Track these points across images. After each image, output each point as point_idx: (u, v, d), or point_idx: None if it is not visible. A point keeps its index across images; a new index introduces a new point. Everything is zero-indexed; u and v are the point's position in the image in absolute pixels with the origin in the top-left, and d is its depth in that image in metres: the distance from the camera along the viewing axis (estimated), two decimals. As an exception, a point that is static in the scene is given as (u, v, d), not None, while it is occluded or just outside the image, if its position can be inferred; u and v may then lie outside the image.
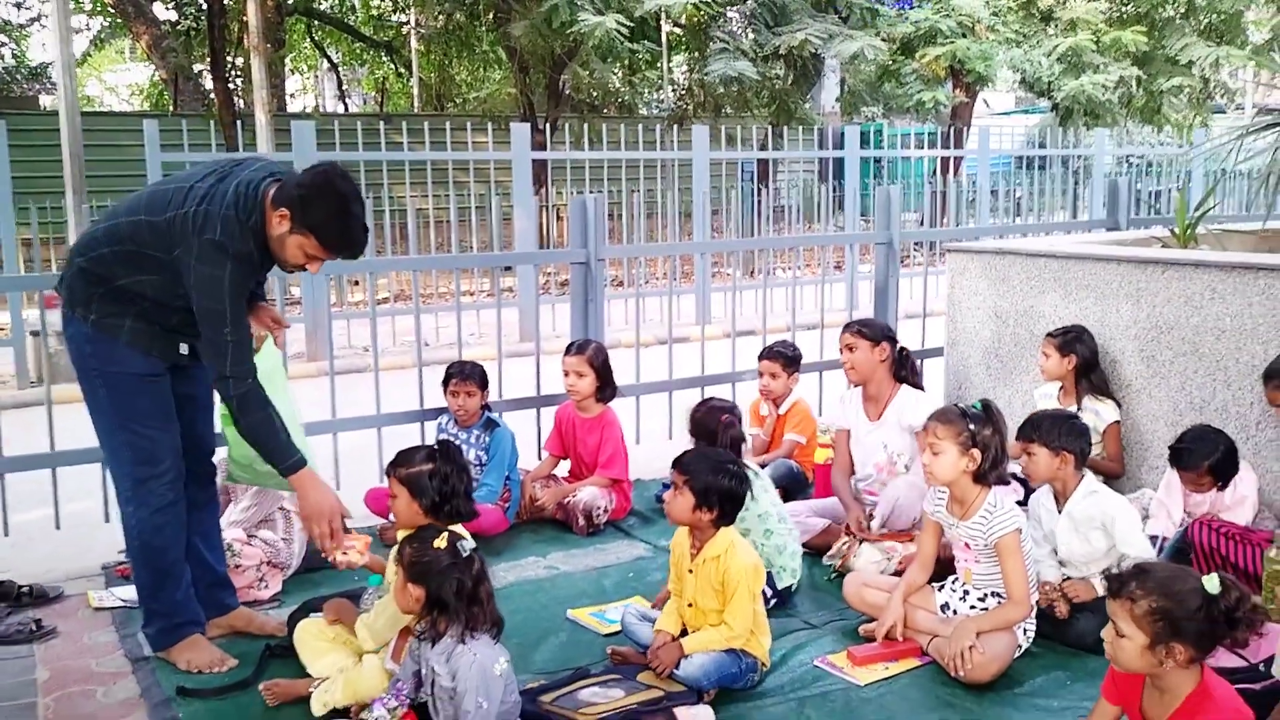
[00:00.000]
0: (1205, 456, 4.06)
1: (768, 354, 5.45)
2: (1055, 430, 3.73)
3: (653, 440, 5.79)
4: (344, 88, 27.74)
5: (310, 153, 9.35)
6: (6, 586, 4.11)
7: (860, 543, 4.30)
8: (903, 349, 4.77)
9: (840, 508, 4.58)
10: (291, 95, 28.59)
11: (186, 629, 3.60)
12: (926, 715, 3.25)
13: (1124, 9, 16.19)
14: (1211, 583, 2.40)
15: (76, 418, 5.17)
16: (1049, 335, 4.84)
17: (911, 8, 14.85)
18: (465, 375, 4.91)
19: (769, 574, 3.90)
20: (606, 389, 5.09)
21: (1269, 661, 3.07)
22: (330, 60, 26.02)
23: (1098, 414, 4.69)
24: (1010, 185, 14.94)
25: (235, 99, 17.51)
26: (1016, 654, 3.48)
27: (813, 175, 18.26)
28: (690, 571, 3.41)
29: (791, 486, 5.10)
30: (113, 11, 20.13)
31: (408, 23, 22.15)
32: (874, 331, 4.68)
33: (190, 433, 3.59)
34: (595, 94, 15.53)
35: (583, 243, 5.59)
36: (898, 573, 4.04)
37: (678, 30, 15.70)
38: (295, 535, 4.32)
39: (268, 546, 4.22)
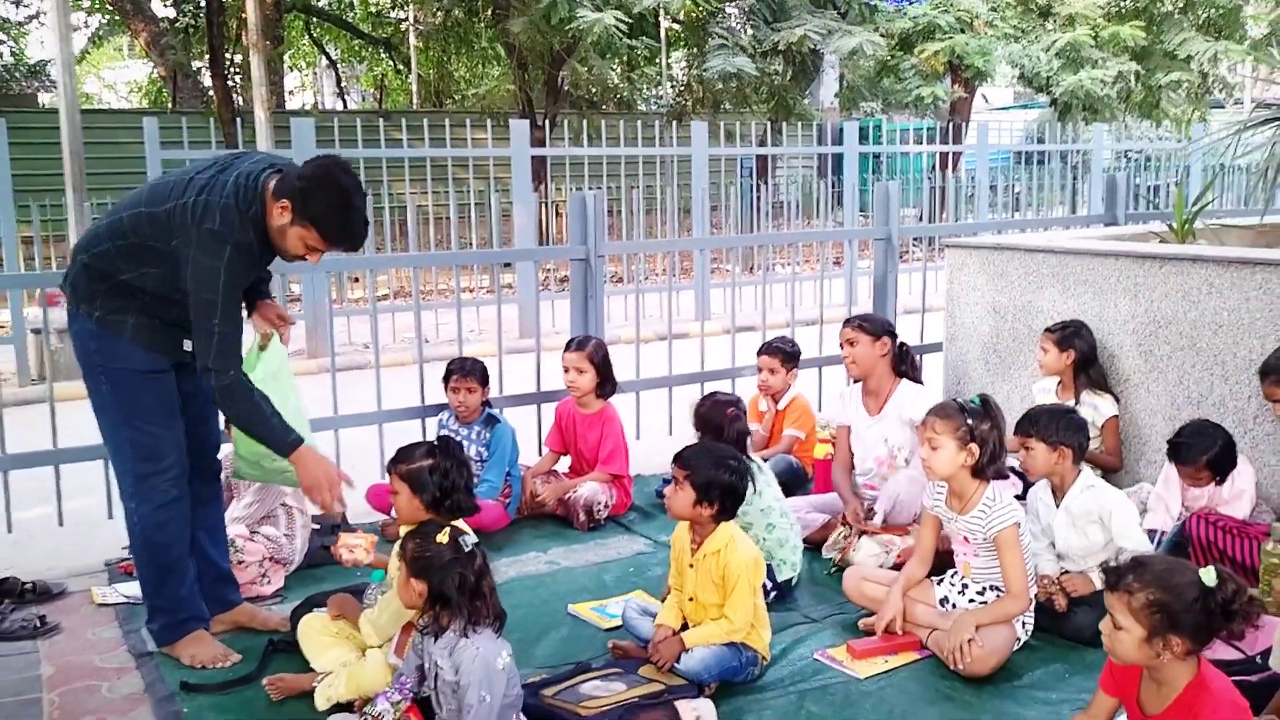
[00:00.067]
0: (1204, 451, 4.08)
1: (766, 349, 5.47)
2: (1053, 425, 3.75)
3: (653, 436, 5.81)
4: (343, 85, 27.74)
5: (309, 150, 9.35)
6: (10, 583, 4.13)
7: (859, 536, 4.32)
8: (903, 344, 4.80)
9: (840, 503, 4.60)
10: (290, 92, 28.60)
11: (190, 624, 3.63)
12: (926, 708, 3.28)
13: (1122, 4, 16.18)
14: (1208, 575, 2.42)
15: (78, 415, 5.18)
16: (1047, 330, 4.86)
17: (910, 3, 14.84)
18: (466, 372, 4.92)
19: (769, 567, 3.93)
20: (606, 385, 5.11)
21: (1265, 654, 3.09)
22: (329, 57, 26.03)
23: (1096, 408, 4.71)
24: (1009, 180, 14.96)
25: (234, 96, 17.52)
26: (1015, 647, 3.50)
27: (811, 171, 18.26)
28: (691, 566, 3.43)
29: (791, 482, 5.11)
30: (111, 9, 20.14)
31: (406, 19, 22.15)
32: (875, 326, 4.70)
33: (195, 429, 3.60)
34: (594, 90, 15.55)
35: (582, 239, 5.60)
36: (896, 566, 4.07)
37: (676, 26, 15.71)
38: (297, 531, 4.34)
39: (270, 542, 4.24)
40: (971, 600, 3.61)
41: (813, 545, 4.44)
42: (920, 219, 13.18)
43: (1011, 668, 3.45)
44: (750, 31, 14.99)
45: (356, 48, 25.06)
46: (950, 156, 14.76)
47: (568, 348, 5.13)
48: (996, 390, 5.19)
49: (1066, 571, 3.77)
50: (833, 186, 13.69)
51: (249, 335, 3.51)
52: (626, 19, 13.00)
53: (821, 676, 3.46)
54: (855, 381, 4.86)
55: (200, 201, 3.27)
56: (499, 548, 4.58)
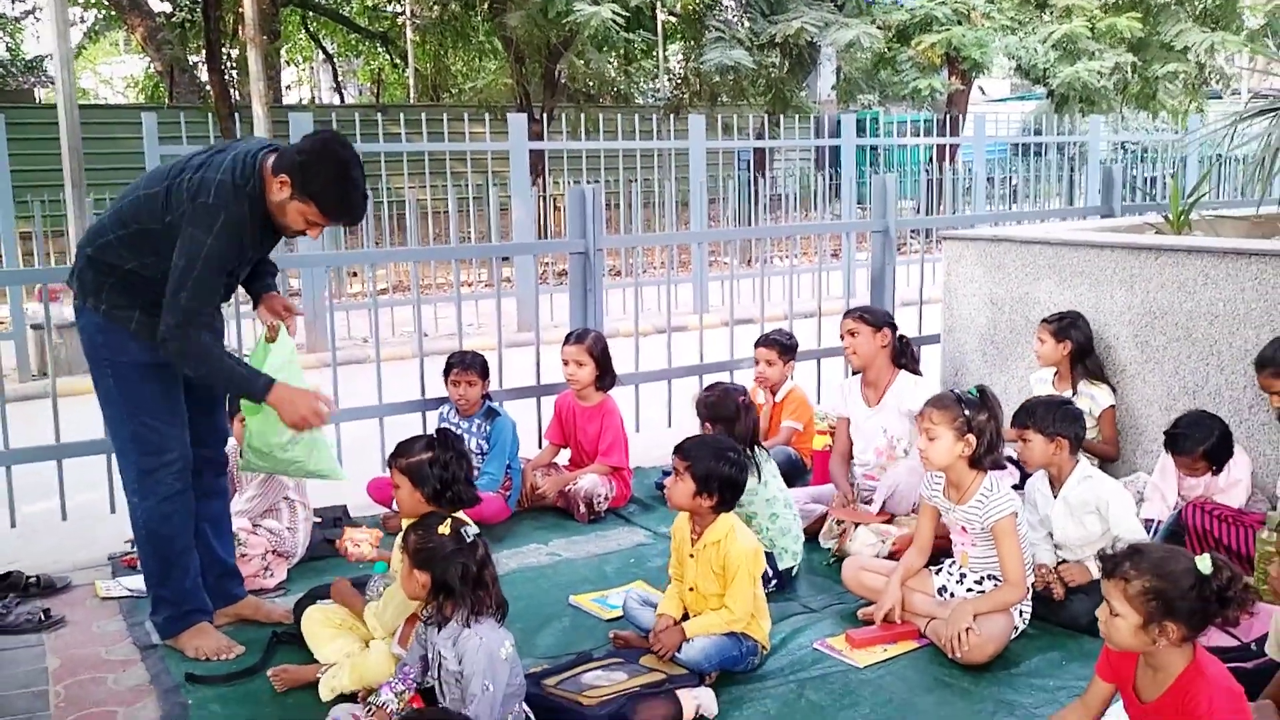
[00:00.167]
0: (1200, 441, 4.11)
1: (764, 341, 5.50)
2: (1050, 416, 3.77)
3: (652, 428, 5.84)
4: (339, 79, 27.70)
5: (308, 145, 9.35)
6: (15, 577, 4.15)
7: (855, 525, 4.36)
8: (903, 336, 4.83)
9: (858, 517, 4.62)
10: (287, 87, 28.54)
11: (194, 617, 3.65)
12: (924, 696, 3.31)
13: (1119, -5, 16.21)
14: (1204, 563, 2.45)
15: (79, 410, 5.22)
16: (1044, 321, 4.88)
17: (900, 6, 14.83)
18: (466, 365, 4.95)
19: (771, 555, 3.96)
20: (606, 378, 5.13)
21: (1260, 640, 3.12)
22: (325, 52, 25.98)
23: (1093, 398, 4.74)
24: (1006, 172, 14.97)
25: (231, 91, 17.51)
26: (1013, 635, 3.53)
27: (809, 164, 18.27)
28: (691, 556, 3.46)
29: (790, 473, 5.12)
30: (107, 4, 20.11)
31: (403, 13, 22.13)
32: (876, 318, 4.74)
33: (201, 422, 3.62)
34: (591, 83, 15.56)
35: (581, 233, 5.62)
36: (892, 555, 4.10)
37: (673, 19, 15.71)
38: (300, 524, 4.37)
39: (273, 535, 4.26)
40: (969, 589, 3.64)
41: (810, 536, 4.47)
42: (917, 211, 13.19)
43: (1009, 656, 3.48)
44: (747, 24, 15.00)
45: (353, 42, 25.02)
46: (947, 149, 14.78)
47: (567, 341, 5.16)
48: (994, 381, 5.22)
49: (1064, 561, 3.80)
50: (830, 179, 13.71)
51: (251, 330, 3.53)
52: (623, 12, 13.00)
53: (821, 665, 3.49)
54: (855, 373, 4.89)
55: (196, 178, 3.29)
56: (500, 540, 4.60)
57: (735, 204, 12.57)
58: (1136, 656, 2.56)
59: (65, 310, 9.02)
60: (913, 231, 11.86)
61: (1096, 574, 3.58)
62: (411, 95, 23.65)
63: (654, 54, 15.58)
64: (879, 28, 14.58)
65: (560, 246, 6.27)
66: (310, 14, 22.63)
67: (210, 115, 11.77)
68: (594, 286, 5.63)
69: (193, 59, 19.79)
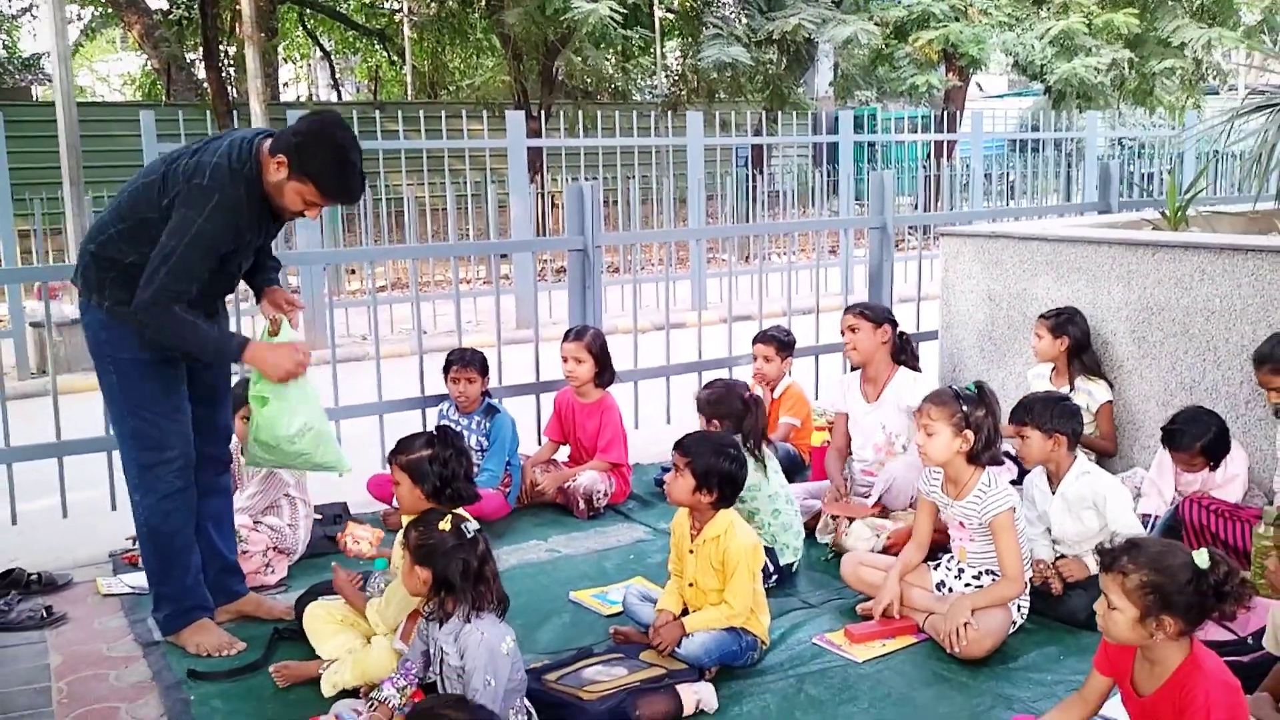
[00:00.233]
0: (1198, 437, 4.13)
1: (762, 338, 5.52)
2: (1048, 413, 3.79)
3: (651, 425, 5.85)
4: (337, 76, 27.68)
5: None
6: (16, 574, 4.17)
7: (849, 520, 4.38)
8: (903, 333, 4.86)
9: (851, 510, 4.64)
10: (285, 85, 28.54)
11: (195, 613, 3.66)
12: (923, 690, 3.32)
13: (1116, -9, 16.22)
14: (1201, 558, 2.46)
15: (78, 407, 5.23)
16: (1041, 317, 4.90)
17: (898, 3, 14.84)
18: (466, 362, 4.96)
19: (772, 550, 3.98)
20: (605, 374, 5.15)
21: (1257, 634, 3.14)
22: (323, 49, 25.95)
23: (1090, 394, 4.75)
24: (1003, 168, 14.99)
25: (228, 88, 17.49)
26: (1010, 630, 3.55)
27: (807, 160, 18.28)
28: (691, 552, 3.47)
29: (788, 469, 5.12)
30: (104, 1, 20.09)
31: (400, 10, 22.11)
32: (876, 314, 4.77)
33: (205, 419, 3.63)
34: (589, 80, 15.56)
35: (580, 230, 5.63)
36: (886, 549, 4.12)
37: (670, 16, 15.71)
38: (300, 521, 4.38)
39: (273, 532, 4.28)
40: (967, 584, 3.65)
41: (808, 531, 4.49)
42: (915, 208, 13.20)
43: (1007, 650, 3.50)
44: (745, 21, 15.01)
45: (351, 39, 24.98)
46: (945, 145, 14.80)
47: (566, 338, 5.17)
48: (992, 377, 5.23)
49: (1062, 556, 3.82)
50: (828, 175, 13.71)
51: (252, 326, 3.53)
52: (621, 9, 13.00)
53: (820, 660, 3.51)
54: (853, 369, 4.91)
55: (192, 162, 3.31)
56: (500, 536, 4.61)
57: (733, 201, 12.57)
58: (1134, 650, 2.58)
59: (65, 308, 9.04)
60: (910, 228, 11.86)
61: (1094, 569, 3.61)
62: (409, 92, 23.64)
63: (652, 51, 15.57)
64: (876, 24, 14.58)
65: (559, 244, 6.28)
66: (307, 11, 22.60)
67: (208, 112, 11.77)
68: (593, 283, 5.64)
69: (190, 56, 19.78)
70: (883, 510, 4.45)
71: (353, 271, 12.30)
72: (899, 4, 14.97)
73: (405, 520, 3.32)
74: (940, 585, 3.72)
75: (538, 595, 4.05)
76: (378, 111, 16.61)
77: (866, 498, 4.54)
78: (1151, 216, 6.14)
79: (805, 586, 4.10)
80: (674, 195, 11.35)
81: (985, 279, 5.48)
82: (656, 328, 8.03)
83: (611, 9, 12.80)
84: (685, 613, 3.47)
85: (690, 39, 15.71)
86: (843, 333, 4.83)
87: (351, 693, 3.22)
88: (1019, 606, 3.59)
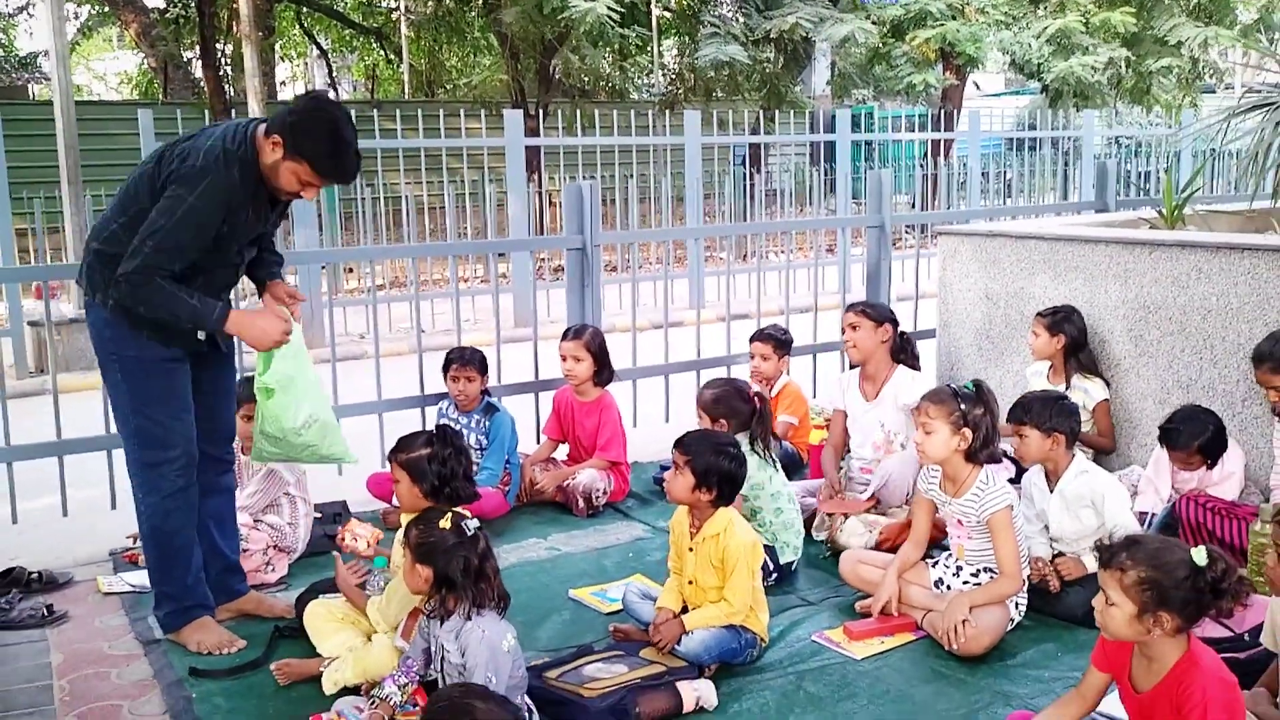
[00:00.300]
0: (1195, 436, 4.15)
1: (759, 336, 5.54)
2: (1046, 412, 3.80)
3: (650, 423, 5.86)
4: (334, 75, 27.62)
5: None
6: (17, 573, 4.17)
7: (845, 516, 4.40)
8: (904, 333, 4.88)
9: (845, 507, 4.66)
10: (282, 83, 28.49)
11: (195, 612, 3.67)
12: (921, 687, 3.34)
13: (1112, -11, 16.24)
14: (1199, 555, 2.47)
15: (76, 406, 5.23)
16: (1039, 315, 4.92)
17: (894, 4, 14.85)
18: (466, 361, 4.97)
19: (773, 549, 4.00)
20: (604, 373, 5.16)
21: (1253, 631, 3.16)
22: (320, 47, 25.91)
23: (1087, 392, 4.77)
24: (1001, 167, 15.00)
25: (225, 87, 17.48)
26: (1008, 627, 3.57)
27: (804, 159, 18.29)
28: (690, 550, 3.49)
29: (786, 467, 5.13)
30: (101, 0, 20.07)
31: (397, 9, 22.08)
32: (878, 313, 4.79)
33: (209, 419, 3.64)
34: (586, 79, 15.55)
35: (579, 229, 5.64)
36: (878, 544, 4.18)
37: (668, 14, 15.72)
38: (300, 520, 4.39)
39: (274, 531, 4.29)
40: (965, 582, 3.67)
41: (805, 528, 4.50)
42: (913, 206, 13.23)
43: (1005, 647, 3.52)
44: (742, 19, 15.01)
45: (348, 38, 24.94)
46: (942, 143, 14.81)
47: (565, 336, 5.18)
48: (989, 376, 5.25)
49: (1060, 554, 3.83)
50: (825, 174, 13.72)
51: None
52: (619, 8, 13.01)
53: (819, 657, 3.52)
54: (852, 366, 4.93)
55: (188, 146, 3.34)
56: (499, 534, 4.63)
57: (731, 199, 12.58)
58: (1132, 646, 2.60)
59: (62, 307, 9.04)
60: (908, 227, 11.88)
61: (1091, 568, 3.63)
62: (406, 91, 23.63)
63: (649, 49, 15.58)
64: (873, 23, 14.60)
65: (558, 242, 6.28)
66: (304, 9, 22.57)
67: (206, 111, 11.77)
68: (591, 282, 5.65)
69: (187, 55, 19.76)
70: (877, 506, 4.48)
71: (350, 270, 12.29)
72: (896, 3, 14.98)
73: (405, 518, 3.33)
74: (938, 583, 3.73)
75: (537, 593, 4.07)
76: (375, 110, 16.59)
77: (863, 494, 4.56)
78: (1148, 215, 6.15)
79: (804, 584, 4.12)
80: (671, 194, 11.36)
81: (983, 278, 5.50)
82: (655, 326, 8.04)
83: (609, 8, 12.81)
84: (685, 610, 3.49)
85: (688, 38, 15.72)
86: (843, 330, 4.85)
87: (353, 690, 3.23)
88: (1017, 604, 3.61)
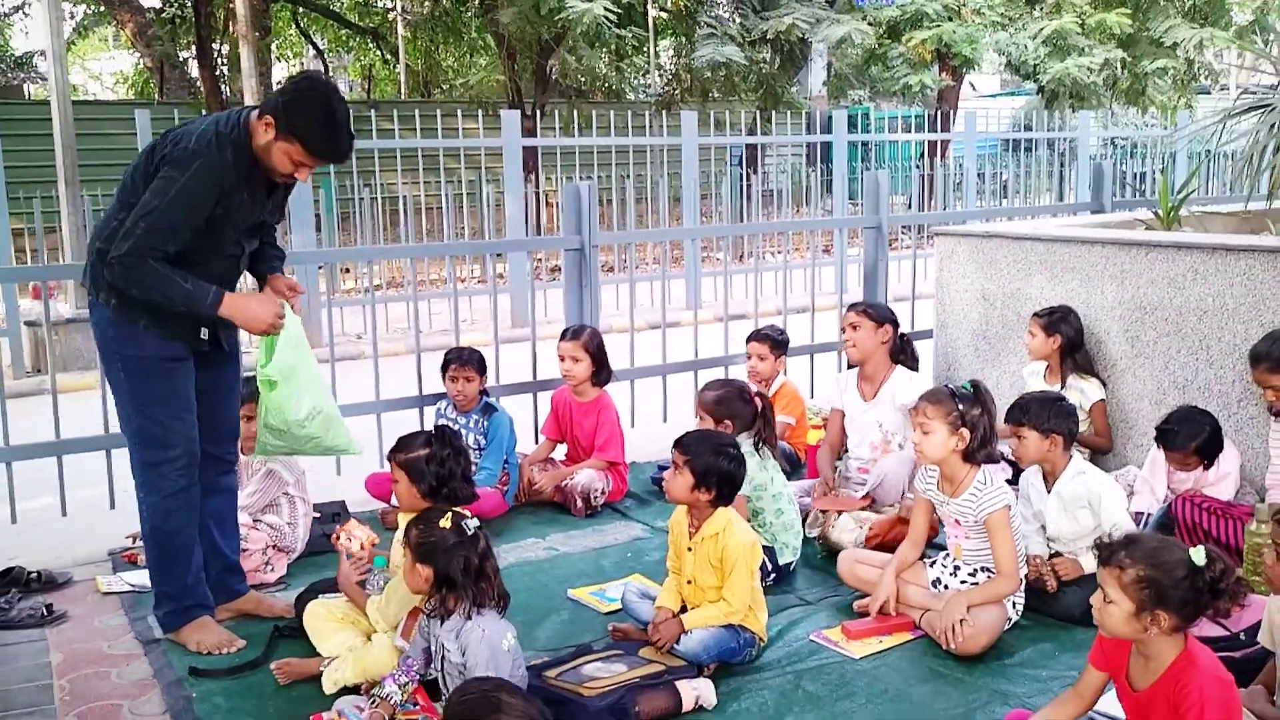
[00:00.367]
0: (1192, 438, 4.16)
1: (756, 336, 5.55)
2: (1045, 413, 3.82)
3: (648, 423, 5.87)
4: (330, 75, 27.63)
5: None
6: (16, 572, 4.17)
7: (837, 513, 4.42)
8: (904, 335, 4.90)
9: (840, 504, 4.68)
10: (278, 83, 28.44)
11: (195, 611, 3.68)
12: (919, 686, 3.35)
13: (1108, -9, 16.29)
14: (1198, 555, 2.49)
15: (73, 407, 5.23)
16: (1035, 315, 4.94)
17: (890, 5, 14.88)
18: (464, 361, 4.98)
19: (772, 550, 4.02)
20: (602, 373, 5.17)
21: (1249, 630, 3.18)
22: (316, 47, 25.89)
23: (1083, 392, 4.79)
24: (997, 168, 15.03)
25: (222, 86, 17.47)
26: (1006, 626, 3.58)
27: (800, 159, 18.31)
28: (689, 549, 3.50)
29: (784, 468, 5.19)
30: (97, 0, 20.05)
31: (394, 9, 22.08)
32: (879, 313, 4.81)
33: (213, 418, 3.65)
34: (583, 80, 15.55)
35: (577, 229, 5.65)
36: (868, 539, 4.21)
37: (665, 15, 15.73)
38: (299, 520, 4.40)
39: (273, 531, 4.30)
40: (963, 582, 3.68)
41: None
42: (909, 207, 13.25)
43: (1002, 646, 3.53)
44: (739, 20, 15.04)
45: (344, 38, 24.91)
46: (938, 144, 14.84)
47: (563, 337, 5.19)
48: (986, 376, 5.27)
49: (1057, 554, 3.85)
50: (822, 175, 13.74)
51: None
52: (616, 8, 13.02)
53: (817, 657, 3.53)
54: (850, 366, 4.95)
55: (182, 131, 3.38)
56: (498, 534, 4.63)
57: (728, 200, 12.59)
58: (1129, 645, 2.61)
59: (60, 307, 9.03)
60: (904, 227, 11.89)
61: (1088, 568, 3.65)
62: (402, 91, 23.62)
63: (646, 50, 15.59)
64: (870, 24, 14.63)
65: (557, 243, 6.29)
66: (301, 9, 22.54)
67: (202, 111, 11.76)
68: (590, 282, 5.66)
69: (182, 55, 19.73)
70: (871, 504, 4.50)
71: (346, 271, 12.29)
72: (892, 4, 15.00)
73: (404, 518, 3.34)
74: (936, 582, 3.75)
75: (536, 593, 4.08)
76: (372, 110, 16.59)
77: (859, 494, 4.58)
78: (1144, 216, 6.17)
79: (803, 584, 4.13)
80: (668, 195, 11.37)
81: (980, 278, 5.51)
82: (652, 326, 8.05)
83: (606, 8, 12.81)
84: (684, 610, 3.50)
85: (684, 38, 15.72)
86: (844, 329, 4.87)
87: (353, 690, 3.24)
88: (1014, 603, 3.62)
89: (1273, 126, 5.61)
